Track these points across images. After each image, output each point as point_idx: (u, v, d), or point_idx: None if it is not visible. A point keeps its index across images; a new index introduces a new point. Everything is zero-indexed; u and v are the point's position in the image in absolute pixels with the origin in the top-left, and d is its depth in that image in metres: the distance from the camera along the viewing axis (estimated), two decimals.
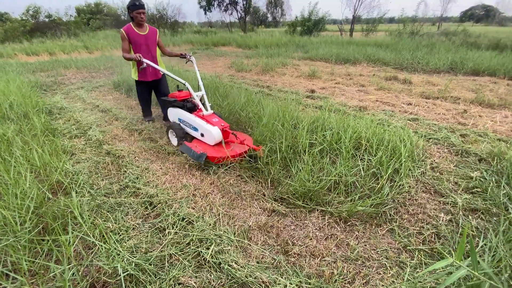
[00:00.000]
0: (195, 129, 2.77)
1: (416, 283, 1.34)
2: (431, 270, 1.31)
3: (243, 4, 26.11)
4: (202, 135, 2.70)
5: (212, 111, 2.89)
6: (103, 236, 1.71)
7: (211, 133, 2.58)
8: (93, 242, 1.61)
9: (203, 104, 2.95)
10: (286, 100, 3.89)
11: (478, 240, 1.64)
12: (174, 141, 3.01)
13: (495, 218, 1.81)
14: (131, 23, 3.13)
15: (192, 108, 3.03)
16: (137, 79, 3.36)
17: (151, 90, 3.63)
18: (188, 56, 3.37)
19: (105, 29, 21.26)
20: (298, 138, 2.55)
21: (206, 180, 2.34)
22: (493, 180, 2.17)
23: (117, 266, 1.44)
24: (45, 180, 2.18)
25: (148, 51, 3.24)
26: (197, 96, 2.93)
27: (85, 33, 18.03)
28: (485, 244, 1.56)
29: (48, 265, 1.45)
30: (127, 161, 2.67)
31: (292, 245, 1.69)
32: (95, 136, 3.23)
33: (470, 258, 1.13)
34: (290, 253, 1.63)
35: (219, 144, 2.67)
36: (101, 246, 1.56)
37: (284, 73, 7.07)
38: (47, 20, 19.31)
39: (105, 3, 25.93)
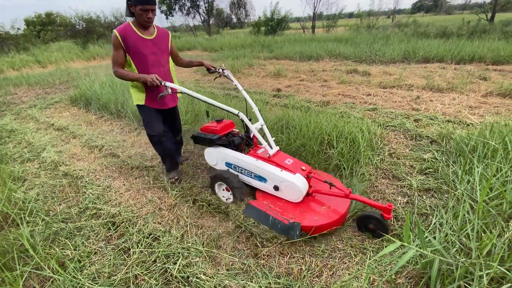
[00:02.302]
0: (261, 179, 1.93)
1: (374, 268, 1.41)
2: (384, 253, 1.38)
3: (205, 7, 25.85)
4: (276, 188, 1.86)
5: (277, 148, 2.07)
6: (62, 265, 1.60)
7: (295, 185, 1.75)
8: (46, 274, 1.50)
9: (261, 138, 2.01)
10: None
11: (432, 218, 1.76)
12: (228, 197, 2.08)
13: (446, 196, 1.96)
14: (129, 22, 2.05)
15: (239, 144, 2.21)
16: (142, 103, 2.18)
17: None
18: (221, 71, 2.34)
19: (59, 40, 19.94)
20: None
21: (172, 192, 2.28)
22: (443, 159, 2.35)
23: None
24: None
25: (159, 64, 2.14)
26: (255, 128, 1.99)
27: (36, 46, 16.75)
28: (438, 221, 1.68)
29: None
30: (86, 181, 2.51)
31: (262, 247, 1.69)
32: (50, 157, 3.01)
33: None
34: (259, 255, 1.63)
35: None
36: (55, 278, 1.45)
37: (251, 73, 7.11)
38: None
39: (57, 13, 24.30)
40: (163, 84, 1.91)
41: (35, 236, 1.79)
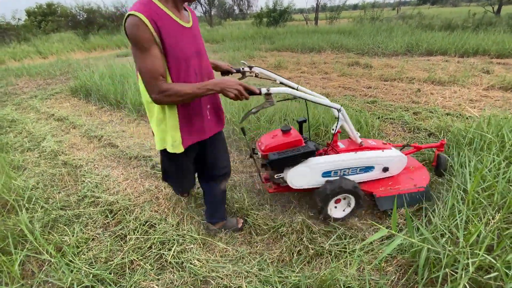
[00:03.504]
0: (368, 169, 1.82)
1: (363, 255, 1.44)
2: (371, 240, 1.41)
3: None
4: (385, 169, 1.84)
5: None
6: (60, 250, 1.64)
7: (402, 157, 1.85)
8: (45, 258, 1.54)
9: (350, 131, 1.85)
10: None
11: (424, 210, 1.78)
12: (344, 210, 1.80)
13: (440, 187, 1.97)
14: None
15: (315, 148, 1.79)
16: (180, 150, 1.28)
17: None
18: (248, 69, 1.87)
19: (60, 31, 19.83)
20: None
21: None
22: None
23: (72, 281, 1.39)
24: None
25: (206, 70, 1.34)
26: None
27: (37, 37, 16.68)
28: (430, 212, 1.70)
29: None
30: (85, 170, 2.55)
31: (256, 235, 1.72)
32: (50, 147, 3.04)
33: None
34: (253, 243, 1.66)
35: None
36: (53, 261, 1.49)
37: (251, 66, 7.05)
38: None
39: (58, 3, 24.09)
40: (264, 91, 1.23)
41: (34, 223, 1.83)
